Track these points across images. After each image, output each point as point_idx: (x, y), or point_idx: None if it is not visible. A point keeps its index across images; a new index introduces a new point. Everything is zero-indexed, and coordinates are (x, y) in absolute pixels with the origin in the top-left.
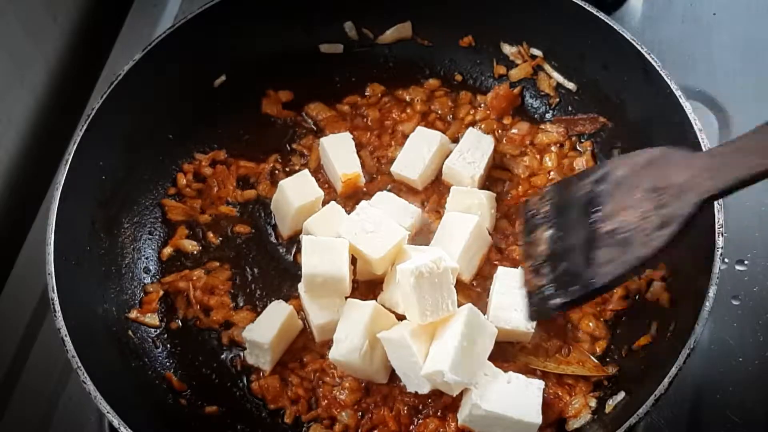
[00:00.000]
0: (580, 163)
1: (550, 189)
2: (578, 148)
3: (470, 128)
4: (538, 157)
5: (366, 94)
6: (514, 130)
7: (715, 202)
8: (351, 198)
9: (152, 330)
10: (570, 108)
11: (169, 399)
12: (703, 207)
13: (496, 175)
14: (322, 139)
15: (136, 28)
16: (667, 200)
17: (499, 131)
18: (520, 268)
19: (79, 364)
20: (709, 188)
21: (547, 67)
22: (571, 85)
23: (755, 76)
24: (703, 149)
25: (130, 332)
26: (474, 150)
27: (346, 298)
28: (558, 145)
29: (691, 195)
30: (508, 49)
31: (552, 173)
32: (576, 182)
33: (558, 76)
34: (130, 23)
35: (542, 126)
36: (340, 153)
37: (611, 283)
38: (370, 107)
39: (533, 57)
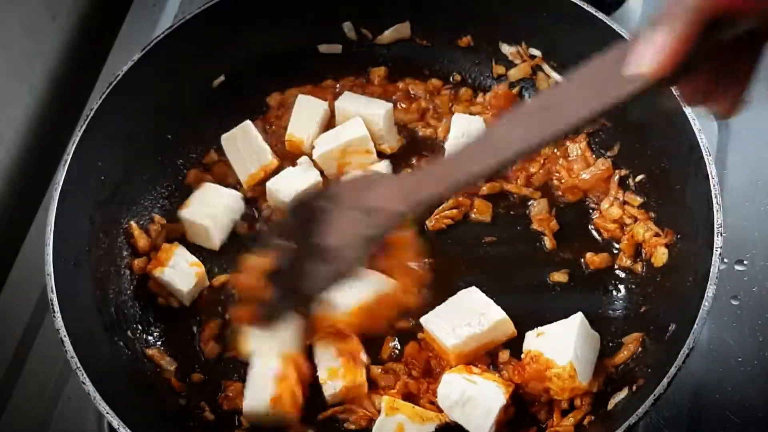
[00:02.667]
0: (576, 151)
1: (293, 202)
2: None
3: (456, 114)
4: None
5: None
6: None
7: (714, 202)
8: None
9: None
10: None
11: (168, 399)
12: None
13: None
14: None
15: (135, 28)
16: (370, 222)
17: None
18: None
19: (79, 365)
20: (397, 210)
21: (546, 67)
22: None
23: (755, 77)
24: (702, 149)
25: (129, 333)
26: (467, 132)
27: None
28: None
29: (383, 215)
30: (507, 49)
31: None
32: (311, 198)
33: (557, 76)
34: (130, 23)
35: None
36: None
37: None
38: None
39: (532, 57)
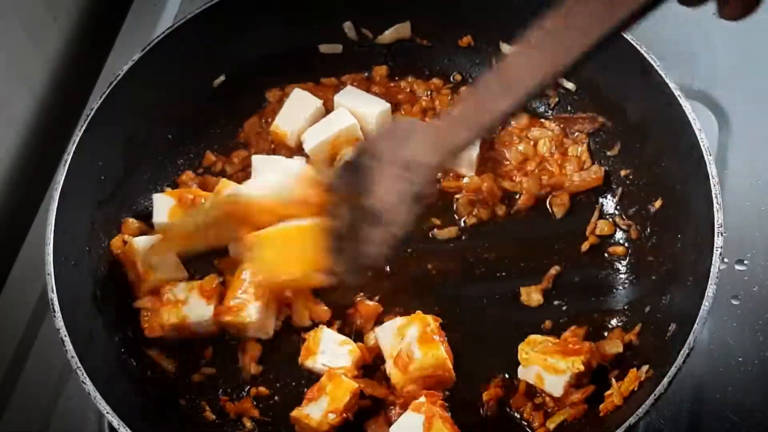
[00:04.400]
0: (576, 151)
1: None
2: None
3: None
4: (532, 143)
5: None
6: (513, 123)
7: (714, 202)
8: None
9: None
10: (569, 108)
11: (168, 399)
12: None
13: (487, 156)
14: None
15: (135, 28)
16: (411, 177)
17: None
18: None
19: (79, 365)
20: (434, 162)
21: None
22: (570, 85)
23: (755, 76)
24: (702, 149)
25: (129, 332)
26: None
27: None
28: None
29: (421, 169)
30: (507, 48)
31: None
32: (355, 156)
33: None
34: (130, 23)
35: (540, 121)
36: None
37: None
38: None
39: None
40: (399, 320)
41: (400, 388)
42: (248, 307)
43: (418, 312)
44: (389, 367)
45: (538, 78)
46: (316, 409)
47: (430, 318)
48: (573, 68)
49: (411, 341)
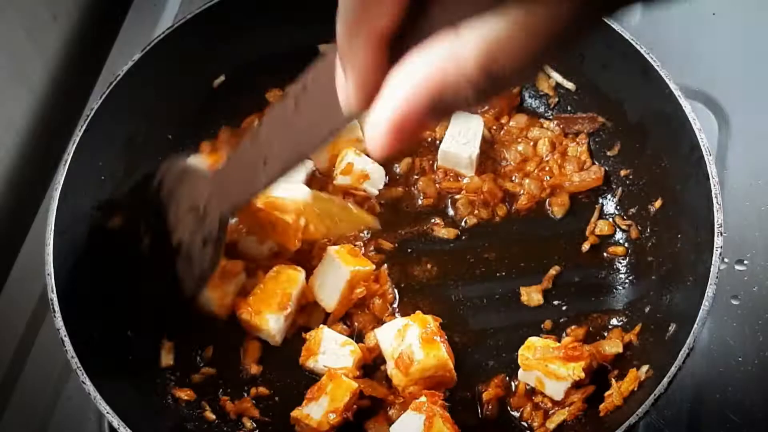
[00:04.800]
0: (576, 151)
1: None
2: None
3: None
4: (531, 144)
5: None
6: (512, 123)
7: (714, 202)
8: None
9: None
10: (569, 107)
11: (169, 399)
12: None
13: (487, 156)
14: None
15: (135, 28)
16: (202, 220)
17: (494, 128)
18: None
19: (79, 365)
20: (222, 208)
21: (546, 66)
22: (570, 85)
23: (755, 76)
24: (702, 149)
25: (129, 332)
26: (465, 131)
27: None
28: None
29: (213, 214)
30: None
31: (545, 160)
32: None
33: (557, 76)
34: (130, 23)
35: (540, 121)
36: None
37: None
38: None
39: None
40: (399, 321)
41: (401, 389)
42: (269, 316)
43: (418, 312)
44: (390, 369)
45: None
46: (316, 409)
47: (430, 318)
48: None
49: (412, 342)
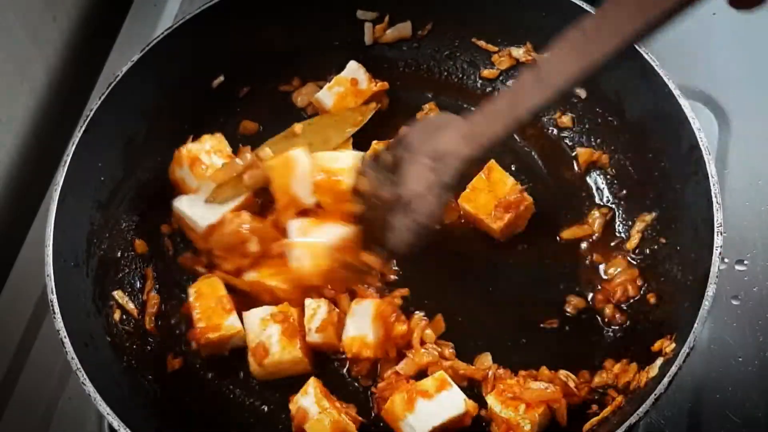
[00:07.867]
0: (565, 119)
1: (387, 147)
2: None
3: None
4: None
5: None
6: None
7: (714, 202)
8: None
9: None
10: (569, 107)
11: (169, 399)
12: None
13: None
14: None
15: (135, 28)
16: (441, 168)
17: None
18: None
19: (79, 366)
20: (464, 154)
21: None
22: (580, 91)
23: (755, 76)
24: (702, 149)
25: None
26: None
27: None
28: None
29: (452, 160)
30: (515, 52)
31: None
32: (391, 146)
33: None
34: (130, 23)
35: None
36: None
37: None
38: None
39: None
40: (267, 309)
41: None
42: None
43: (285, 303)
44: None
45: (570, 74)
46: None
47: (293, 311)
48: (605, 65)
49: (272, 333)
